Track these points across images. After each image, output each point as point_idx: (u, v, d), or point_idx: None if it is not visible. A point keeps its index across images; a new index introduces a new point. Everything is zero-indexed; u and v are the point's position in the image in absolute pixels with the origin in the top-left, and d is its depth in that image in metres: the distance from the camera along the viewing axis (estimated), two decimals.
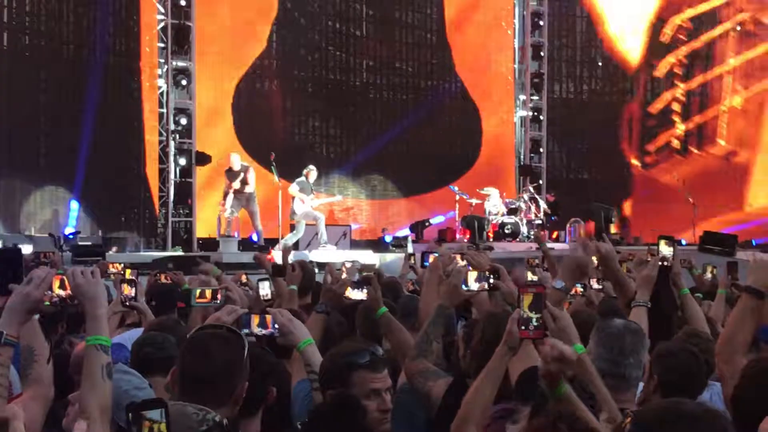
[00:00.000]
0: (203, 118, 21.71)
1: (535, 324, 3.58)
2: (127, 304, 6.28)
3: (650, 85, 28.42)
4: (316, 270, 9.65)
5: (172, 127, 20.79)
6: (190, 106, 21.03)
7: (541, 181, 26.03)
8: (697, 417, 2.53)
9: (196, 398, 3.21)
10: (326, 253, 17.48)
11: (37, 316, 3.73)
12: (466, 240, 20.23)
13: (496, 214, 21.57)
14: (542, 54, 26.42)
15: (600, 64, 28.18)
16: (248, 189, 18.83)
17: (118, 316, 6.56)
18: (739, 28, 28.04)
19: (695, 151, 28.19)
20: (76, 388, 3.64)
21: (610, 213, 22.20)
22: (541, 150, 26.48)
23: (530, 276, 7.16)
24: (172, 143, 20.82)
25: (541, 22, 26.46)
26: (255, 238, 19.19)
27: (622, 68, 28.26)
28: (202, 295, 6.17)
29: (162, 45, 21.09)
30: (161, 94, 21.14)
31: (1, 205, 18.77)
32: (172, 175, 20.84)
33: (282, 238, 18.39)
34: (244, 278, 9.42)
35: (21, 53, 19.33)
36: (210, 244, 19.34)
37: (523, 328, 3.58)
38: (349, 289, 5.40)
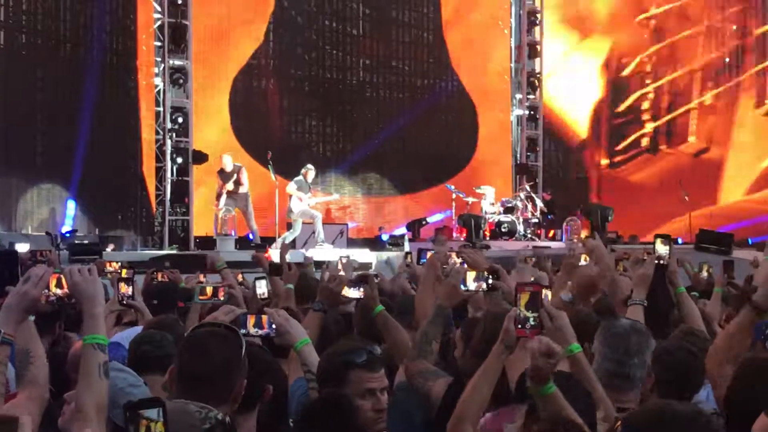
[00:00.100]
0: (200, 117, 21.71)
1: (532, 323, 3.60)
2: (125, 302, 6.29)
3: (617, 84, 28.43)
4: (313, 268, 9.67)
5: (168, 125, 20.78)
6: (187, 105, 21.03)
7: (537, 180, 26.07)
8: (688, 419, 2.54)
9: (195, 396, 3.21)
10: (323, 252, 17.48)
11: (32, 318, 3.73)
12: (462, 238, 20.22)
13: (492, 213, 21.57)
14: (539, 53, 26.43)
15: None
16: (242, 189, 18.80)
17: (115, 314, 6.56)
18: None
19: (665, 149, 28.21)
20: (73, 387, 3.64)
21: (607, 212, 22.20)
22: (538, 148, 26.51)
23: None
24: (168, 142, 20.82)
25: (538, 21, 26.47)
26: (251, 237, 19.19)
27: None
28: (203, 292, 6.19)
29: (159, 43, 21.08)
30: (158, 92, 21.13)
31: None
32: (168, 174, 20.84)
33: (279, 236, 18.39)
34: (240, 277, 9.42)
35: (18, 52, 19.31)
36: (207, 242, 19.35)
37: (519, 326, 3.59)
38: (345, 287, 5.40)
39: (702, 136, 28.02)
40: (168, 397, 3.22)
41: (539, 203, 23.25)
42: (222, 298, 6.06)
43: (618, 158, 28.30)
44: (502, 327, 3.65)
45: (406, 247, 18.78)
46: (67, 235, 17.15)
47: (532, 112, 26.41)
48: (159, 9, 20.94)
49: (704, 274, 9.15)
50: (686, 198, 21.96)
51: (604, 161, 28.28)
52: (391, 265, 12.45)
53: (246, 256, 16.50)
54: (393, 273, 10.90)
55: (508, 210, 21.76)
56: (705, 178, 26.48)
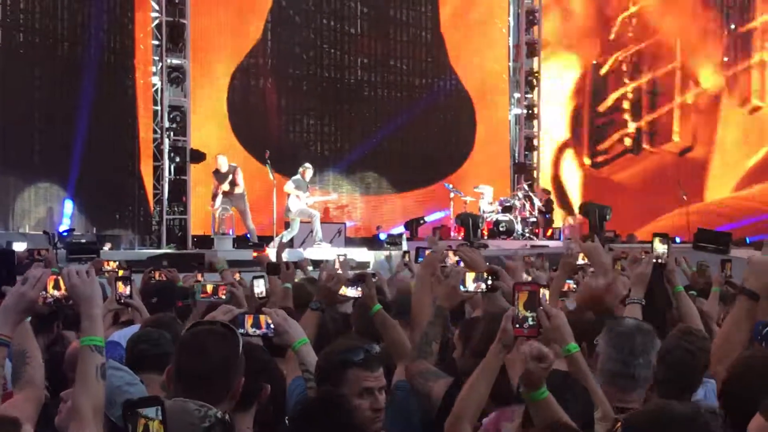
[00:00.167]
0: (198, 116, 21.70)
1: (530, 322, 3.60)
2: (122, 301, 6.29)
3: (598, 84, 28.43)
4: (311, 267, 9.68)
5: (166, 124, 20.77)
6: (185, 104, 21.02)
7: (535, 178, 26.13)
8: (687, 419, 2.54)
9: (193, 395, 3.22)
10: (321, 251, 17.48)
11: (29, 318, 3.73)
12: (460, 238, 20.24)
13: (490, 212, 21.58)
14: (537, 52, 26.44)
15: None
16: (238, 190, 18.81)
17: (112, 313, 6.56)
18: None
19: (648, 148, 28.22)
20: (71, 386, 3.64)
21: (605, 212, 22.21)
22: (535, 148, 26.53)
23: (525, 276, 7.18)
24: (166, 141, 20.81)
25: (536, 20, 26.48)
26: (249, 236, 19.20)
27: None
28: (204, 290, 6.21)
29: (156, 42, 21.07)
30: (156, 91, 21.12)
31: None
32: (166, 173, 20.83)
33: (277, 235, 18.39)
34: (237, 276, 9.42)
35: (15, 50, 19.28)
36: (205, 241, 19.36)
37: (517, 326, 3.60)
38: (343, 286, 5.41)
39: (685, 135, 27.98)
40: (166, 396, 3.22)
41: (537, 202, 23.27)
42: (223, 297, 6.06)
43: (600, 158, 28.26)
44: None
45: (404, 246, 18.78)
46: (65, 234, 17.14)
47: (530, 111, 26.41)
48: (157, 8, 20.92)
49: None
50: (684, 197, 21.98)
51: (587, 161, 28.23)
52: (390, 263, 12.42)
53: (244, 255, 16.54)
54: (391, 272, 10.89)
55: (506, 209, 21.78)
56: (690, 176, 26.45)
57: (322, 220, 19.69)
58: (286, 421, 3.66)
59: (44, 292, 3.56)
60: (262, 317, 4.39)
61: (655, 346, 4.14)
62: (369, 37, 25.27)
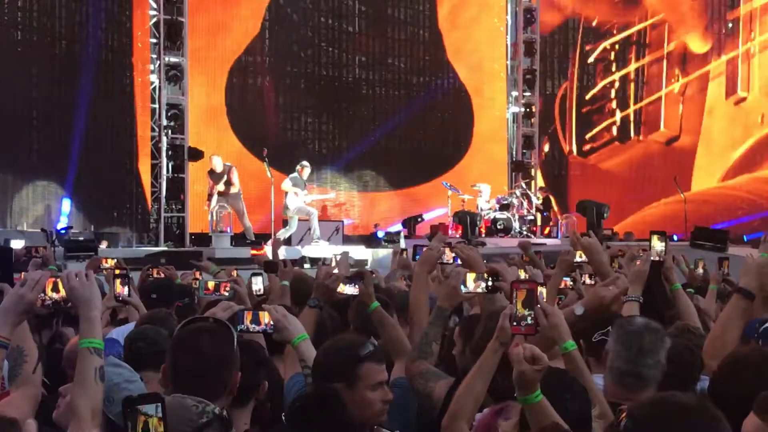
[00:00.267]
0: (195, 114, 21.69)
1: (528, 321, 3.61)
2: (121, 299, 6.29)
3: (584, 71, 28.42)
4: (308, 265, 9.69)
5: (164, 122, 20.76)
6: (183, 102, 21.00)
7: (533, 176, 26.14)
8: (692, 409, 2.54)
9: (190, 393, 3.23)
10: (319, 249, 17.49)
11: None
12: (458, 236, 20.22)
13: (488, 210, 21.58)
14: (535, 50, 26.45)
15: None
16: (233, 189, 18.83)
17: (109, 311, 6.56)
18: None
19: (635, 137, 28.24)
20: (69, 382, 3.65)
21: (603, 209, 22.21)
22: (534, 146, 26.54)
23: (522, 273, 7.18)
24: (164, 139, 20.80)
25: (534, 18, 26.48)
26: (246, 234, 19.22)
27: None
28: (206, 287, 6.22)
29: (154, 41, 21.05)
30: (153, 89, 21.10)
31: None
32: (164, 171, 20.82)
33: (274, 233, 18.40)
34: (234, 273, 9.43)
35: (13, 49, 19.26)
36: (202, 239, 19.35)
37: (515, 324, 3.61)
38: (341, 284, 5.41)
39: (672, 124, 28.00)
40: (164, 393, 3.23)
41: (535, 200, 23.27)
42: (226, 293, 6.08)
43: (587, 146, 28.28)
44: None
45: (402, 244, 18.78)
46: (63, 231, 17.14)
47: (528, 110, 26.40)
48: (155, 6, 20.90)
49: (700, 270, 9.16)
50: (683, 195, 21.98)
51: (573, 149, 28.26)
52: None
53: (242, 252, 16.56)
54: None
55: (504, 207, 21.77)
56: (677, 166, 26.50)
57: (320, 218, 19.71)
58: (283, 418, 3.66)
59: (43, 295, 3.57)
60: (261, 313, 4.40)
61: (665, 345, 4.11)
62: (367, 36, 25.28)
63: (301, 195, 18.52)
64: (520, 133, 26.50)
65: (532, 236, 21.68)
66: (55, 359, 5.11)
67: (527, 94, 26.41)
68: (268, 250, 13.11)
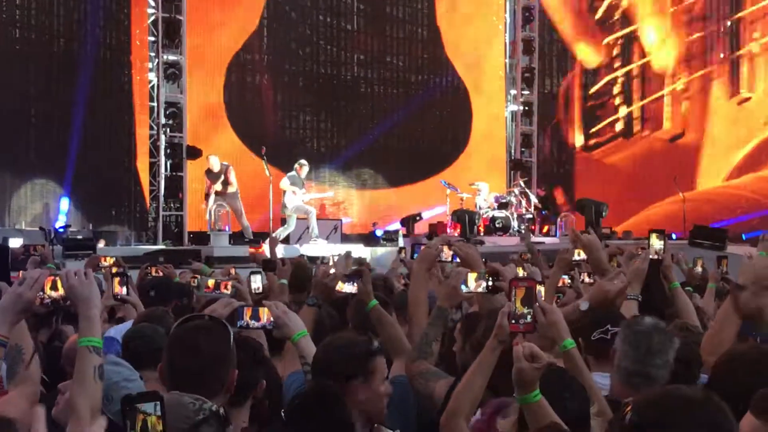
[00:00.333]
0: (194, 112, 21.69)
1: (527, 319, 3.61)
2: (119, 298, 6.29)
3: (588, 66, 28.44)
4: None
5: (162, 120, 20.75)
6: (181, 100, 21.00)
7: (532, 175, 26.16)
8: (697, 402, 2.54)
9: (188, 391, 3.23)
10: (317, 248, 17.50)
11: None
12: (456, 234, 20.23)
13: (486, 209, 21.59)
14: (533, 48, 26.45)
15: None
16: (231, 189, 18.83)
17: (107, 309, 6.56)
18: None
19: (640, 134, 28.25)
20: (68, 379, 3.64)
21: (601, 208, 22.23)
22: (532, 144, 26.57)
23: (520, 271, 7.18)
24: (162, 137, 20.79)
25: (532, 17, 26.48)
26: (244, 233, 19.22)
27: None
28: (206, 285, 6.24)
29: (153, 38, 21.04)
30: (152, 87, 21.09)
31: None
32: (162, 169, 20.82)
33: (273, 232, 18.40)
34: (233, 271, 9.44)
35: (11, 46, 19.25)
36: (201, 237, 19.35)
37: (513, 321, 3.61)
38: (340, 282, 5.41)
39: (676, 122, 28.01)
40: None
41: (533, 199, 23.29)
42: (228, 291, 6.08)
43: (592, 141, 28.31)
44: None
45: (400, 242, 18.80)
46: (61, 230, 17.12)
47: (526, 108, 26.41)
48: (153, 4, 20.90)
49: (698, 269, 9.17)
50: (682, 195, 21.99)
51: (579, 143, 28.29)
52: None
53: (240, 251, 16.56)
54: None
55: (502, 206, 21.78)
56: (681, 164, 26.53)
57: (319, 216, 19.72)
58: (282, 415, 3.66)
59: (42, 293, 3.57)
60: (261, 310, 4.41)
61: (674, 346, 4.09)
62: (365, 34, 25.28)
63: (300, 194, 18.52)
64: (518, 132, 26.50)
65: (531, 235, 21.69)
66: (54, 357, 5.10)
67: (526, 92, 26.41)
68: (266, 248, 13.09)
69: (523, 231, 20.97)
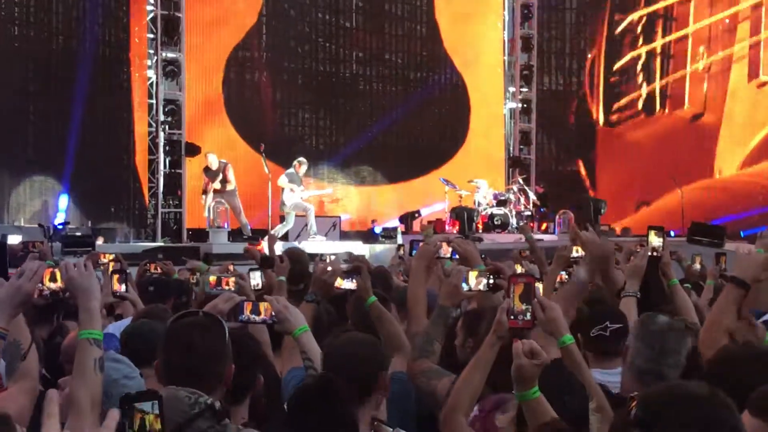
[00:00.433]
0: (192, 110, 21.69)
1: (526, 315, 3.61)
2: (118, 295, 6.29)
3: (613, 41, 28.41)
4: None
5: (161, 118, 20.76)
6: (180, 98, 21.00)
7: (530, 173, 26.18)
8: (703, 397, 2.54)
9: (184, 387, 3.24)
10: (316, 245, 17.49)
11: None
12: (455, 231, 20.23)
13: (485, 206, 21.59)
14: (532, 46, 26.45)
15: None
16: (229, 187, 18.81)
17: (106, 306, 6.56)
18: None
19: (661, 112, 28.22)
20: (68, 375, 3.64)
21: (600, 205, 22.25)
22: (531, 142, 26.57)
23: (518, 268, 7.19)
24: (161, 134, 20.80)
25: (531, 14, 26.48)
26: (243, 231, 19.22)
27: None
28: (209, 282, 6.25)
29: (152, 36, 21.05)
30: (151, 85, 21.10)
31: None
32: (161, 166, 20.83)
33: (272, 229, 18.39)
34: (231, 268, 9.43)
35: (10, 44, 19.26)
36: (200, 234, 19.34)
37: (512, 317, 3.61)
38: (339, 278, 5.41)
39: (696, 102, 27.99)
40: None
41: (532, 196, 23.29)
42: (231, 288, 6.08)
43: (614, 117, 28.35)
44: None
45: (399, 239, 18.80)
46: (60, 227, 17.13)
47: (525, 105, 26.42)
48: (152, 1, 20.91)
49: (697, 266, 9.18)
50: (680, 191, 22.00)
51: (601, 118, 28.33)
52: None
53: (239, 248, 16.52)
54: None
55: (501, 203, 21.78)
56: (700, 146, 26.54)
57: (317, 213, 19.71)
58: (285, 407, 3.67)
59: (41, 285, 3.56)
60: (261, 304, 4.42)
61: (687, 345, 4.05)
62: (364, 31, 25.27)
63: (298, 191, 18.51)
64: (517, 129, 26.51)
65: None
66: (55, 353, 5.09)
67: (524, 89, 26.42)
68: (264, 246, 13.09)
69: (521, 225, 20.96)
